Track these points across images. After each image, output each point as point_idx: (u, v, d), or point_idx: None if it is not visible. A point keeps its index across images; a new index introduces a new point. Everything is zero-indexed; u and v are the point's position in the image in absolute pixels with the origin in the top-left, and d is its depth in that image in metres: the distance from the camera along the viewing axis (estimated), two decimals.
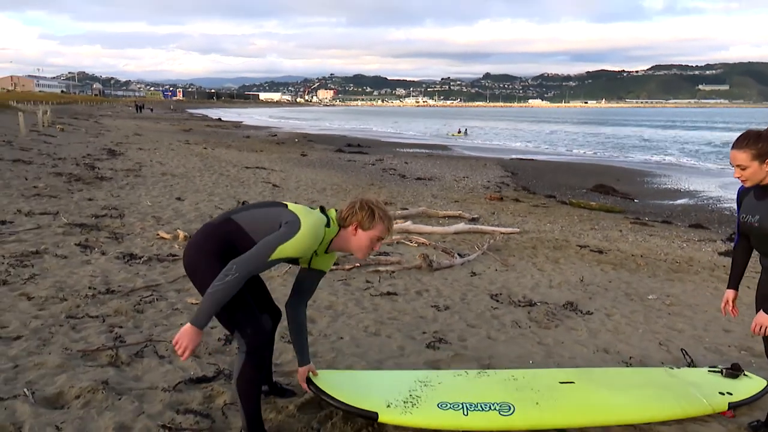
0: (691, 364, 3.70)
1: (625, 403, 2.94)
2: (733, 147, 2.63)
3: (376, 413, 2.61)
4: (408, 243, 6.97)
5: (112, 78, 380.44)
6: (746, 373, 3.40)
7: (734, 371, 3.34)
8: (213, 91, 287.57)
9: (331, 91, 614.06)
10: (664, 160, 23.97)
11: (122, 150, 14.90)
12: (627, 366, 3.76)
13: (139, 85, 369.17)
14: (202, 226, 2.67)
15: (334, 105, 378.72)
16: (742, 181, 2.65)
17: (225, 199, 9.08)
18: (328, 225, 2.46)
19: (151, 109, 70.72)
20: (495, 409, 2.73)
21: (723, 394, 3.12)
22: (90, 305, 4.16)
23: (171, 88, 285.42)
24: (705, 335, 4.46)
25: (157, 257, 5.54)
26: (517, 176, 16.86)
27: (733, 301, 3.01)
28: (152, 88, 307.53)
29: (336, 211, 2.56)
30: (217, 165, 13.75)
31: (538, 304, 4.97)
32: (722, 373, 3.36)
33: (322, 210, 2.51)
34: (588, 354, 3.96)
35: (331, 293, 4.90)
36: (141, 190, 9.48)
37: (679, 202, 13.41)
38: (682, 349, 3.98)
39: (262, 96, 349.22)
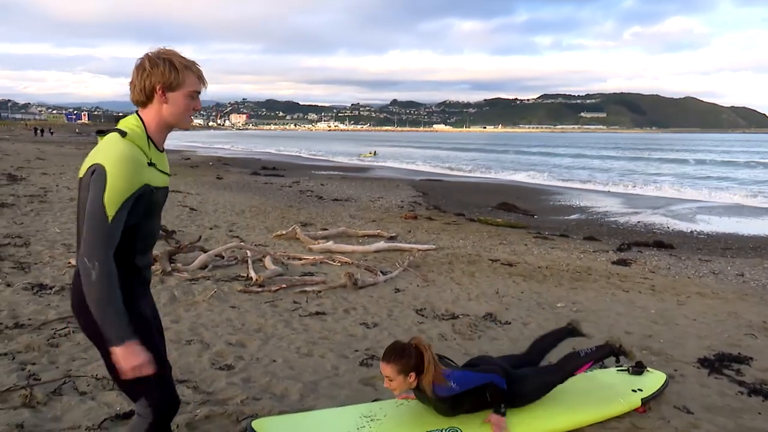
0: (602, 365, 4.05)
1: (553, 411, 3.13)
2: (382, 359, 2.79)
3: None
4: (331, 263, 7.03)
5: (9, 100, 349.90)
6: (648, 369, 3.78)
7: (638, 368, 3.70)
8: (120, 114, 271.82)
9: (244, 116, 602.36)
10: (563, 183, 25.70)
11: (24, 175, 13.77)
12: None
13: (39, 108, 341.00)
14: None
15: (247, 129, 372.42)
16: (392, 390, 2.82)
17: None
18: (123, 134, 1.92)
19: (51, 132, 65.94)
20: None
21: (635, 391, 3.42)
22: None
23: (75, 112, 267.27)
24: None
25: (70, 287, 5.19)
26: (428, 196, 17.43)
27: None
28: (54, 111, 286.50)
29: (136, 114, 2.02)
30: None
31: (461, 316, 5.21)
32: (629, 371, 3.70)
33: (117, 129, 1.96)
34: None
35: (259, 315, 4.86)
36: (47, 216, 8.82)
37: (572, 217, 14.47)
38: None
39: None
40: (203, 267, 6.17)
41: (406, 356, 2.76)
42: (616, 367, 3.83)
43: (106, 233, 1.82)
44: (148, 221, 1.98)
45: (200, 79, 2.00)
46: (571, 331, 3.65)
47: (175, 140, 62.49)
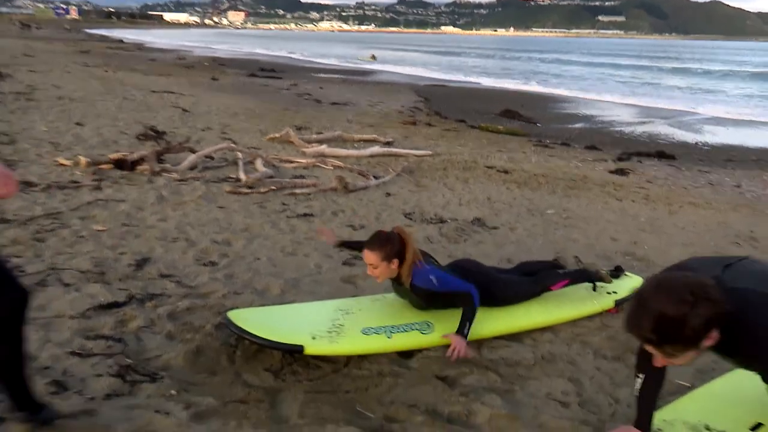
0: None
1: (530, 310, 3.21)
2: (365, 247, 2.84)
3: (302, 346, 2.61)
4: (324, 166, 6.97)
5: None
6: (627, 273, 3.82)
7: (617, 272, 3.74)
8: (112, 10, 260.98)
9: (242, 13, 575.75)
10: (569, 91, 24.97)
11: (10, 72, 13.37)
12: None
13: (26, 2, 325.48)
14: None
15: (245, 27, 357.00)
16: (375, 277, 2.87)
17: (130, 124, 8.52)
18: None
19: (38, 27, 63.49)
20: (416, 328, 2.88)
21: (610, 293, 3.50)
22: None
23: (64, 6, 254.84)
24: (596, 243, 4.91)
25: (57, 185, 5.20)
26: (429, 101, 17.00)
27: None
28: (42, 5, 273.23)
29: None
30: (121, 89, 12.75)
31: (449, 221, 5.22)
32: (610, 279, 3.73)
33: None
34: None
35: (247, 216, 4.87)
36: (34, 114, 8.66)
37: (576, 126, 14.17)
38: (575, 256, 4.37)
39: (167, 17, 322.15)
40: (192, 168, 6.12)
41: (389, 243, 2.80)
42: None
43: None
44: None
45: None
46: (555, 265, 3.69)
47: (168, 39, 60.28)
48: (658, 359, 1.55)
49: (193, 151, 6.55)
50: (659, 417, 2.06)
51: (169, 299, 3.23)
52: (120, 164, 5.80)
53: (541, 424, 2.37)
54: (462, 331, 2.81)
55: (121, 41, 43.20)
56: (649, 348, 1.50)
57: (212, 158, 6.62)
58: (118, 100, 10.99)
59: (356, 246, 3.18)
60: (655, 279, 1.53)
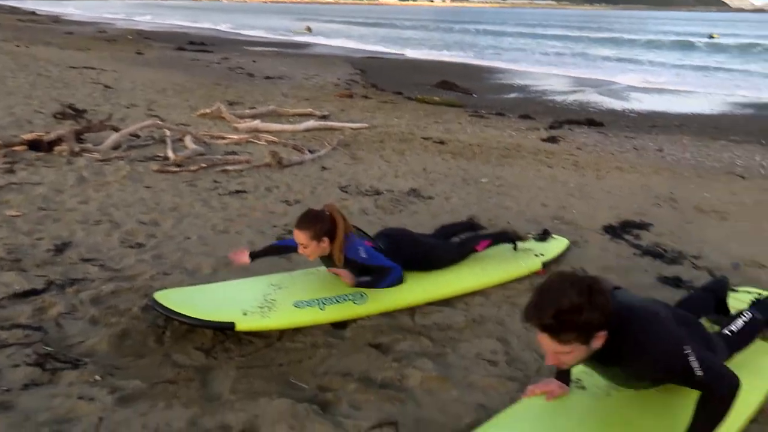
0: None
1: (461, 276, 3.28)
2: (295, 226, 2.81)
3: (232, 323, 2.56)
4: (257, 142, 6.81)
5: None
6: (554, 236, 3.96)
7: (544, 235, 3.88)
8: None
9: None
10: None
11: None
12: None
13: None
14: None
15: None
16: (306, 256, 2.85)
17: (46, 102, 8.00)
18: None
19: None
20: (349, 299, 2.89)
21: (537, 255, 3.64)
22: None
23: None
24: (527, 210, 5.05)
25: None
26: (366, 74, 16.87)
27: None
28: None
29: None
30: (34, 64, 11.91)
31: (385, 192, 5.23)
32: (535, 239, 3.87)
33: None
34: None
35: (176, 195, 4.71)
36: None
37: (511, 96, 14.46)
38: (507, 222, 4.50)
39: None
40: (116, 147, 5.84)
41: (320, 221, 2.78)
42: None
43: None
44: None
45: None
46: (471, 225, 3.83)
47: (87, 11, 56.65)
48: (549, 356, 1.68)
49: (116, 130, 6.23)
50: (578, 369, 2.16)
51: (92, 284, 3.09)
52: (35, 145, 5.45)
53: (470, 383, 2.44)
54: (359, 279, 2.91)
55: (33, 13, 40.21)
56: (544, 339, 1.63)
57: (138, 136, 6.34)
58: (32, 76, 10.28)
59: (270, 251, 3.16)
60: (556, 274, 1.69)
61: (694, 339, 1.86)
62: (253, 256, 3.10)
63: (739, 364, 2.38)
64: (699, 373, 1.67)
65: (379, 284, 2.95)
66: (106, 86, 9.90)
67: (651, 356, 1.71)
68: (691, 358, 1.67)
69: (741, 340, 2.32)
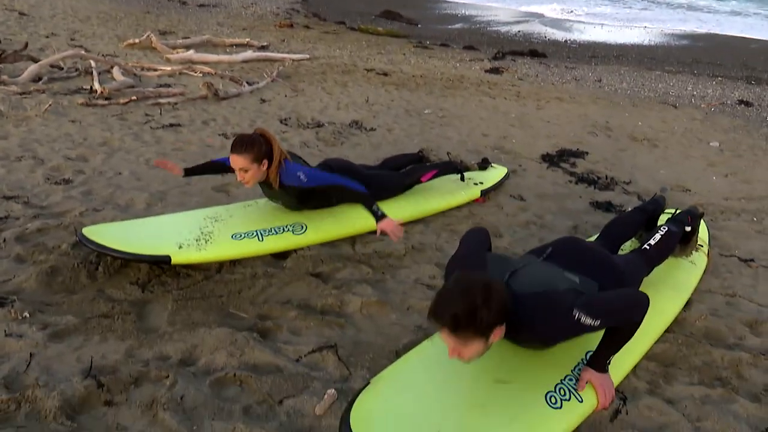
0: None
1: (402, 205, 3.29)
2: (232, 152, 2.65)
3: (169, 256, 2.51)
4: (192, 73, 6.48)
5: None
6: (493, 165, 4.02)
7: (484, 164, 3.93)
8: None
9: None
10: None
11: None
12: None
13: None
14: None
15: None
16: (245, 183, 2.70)
17: None
18: None
19: None
20: (288, 230, 2.86)
21: (476, 184, 3.70)
22: None
23: None
24: (468, 140, 5.09)
25: None
26: (307, 3, 16.15)
27: None
28: None
29: None
30: None
31: (326, 125, 5.14)
32: (476, 168, 3.92)
33: None
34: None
35: (105, 129, 4.47)
36: None
37: (456, 26, 14.23)
38: (447, 153, 4.50)
39: None
40: (36, 79, 5.43)
41: (257, 144, 2.68)
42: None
43: None
44: None
45: None
46: (420, 158, 3.78)
47: None
48: (450, 350, 1.75)
49: (35, 60, 5.78)
50: None
51: (16, 221, 2.95)
52: None
53: (409, 306, 2.51)
54: (377, 215, 2.69)
55: None
56: (445, 336, 1.70)
57: (60, 68, 5.91)
58: None
59: (207, 168, 3.03)
60: (457, 277, 1.75)
61: (598, 278, 2.00)
62: (188, 172, 2.97)
63: (656, 279, 2.55)
64: (595, 323, 1.79)
65: (371, 203, 2.73)
66: (21, 13, 9.07)
67: (546, 334, 1.87)
68: (583, 317, 1.77)
69: (659, 253, 2.47)
